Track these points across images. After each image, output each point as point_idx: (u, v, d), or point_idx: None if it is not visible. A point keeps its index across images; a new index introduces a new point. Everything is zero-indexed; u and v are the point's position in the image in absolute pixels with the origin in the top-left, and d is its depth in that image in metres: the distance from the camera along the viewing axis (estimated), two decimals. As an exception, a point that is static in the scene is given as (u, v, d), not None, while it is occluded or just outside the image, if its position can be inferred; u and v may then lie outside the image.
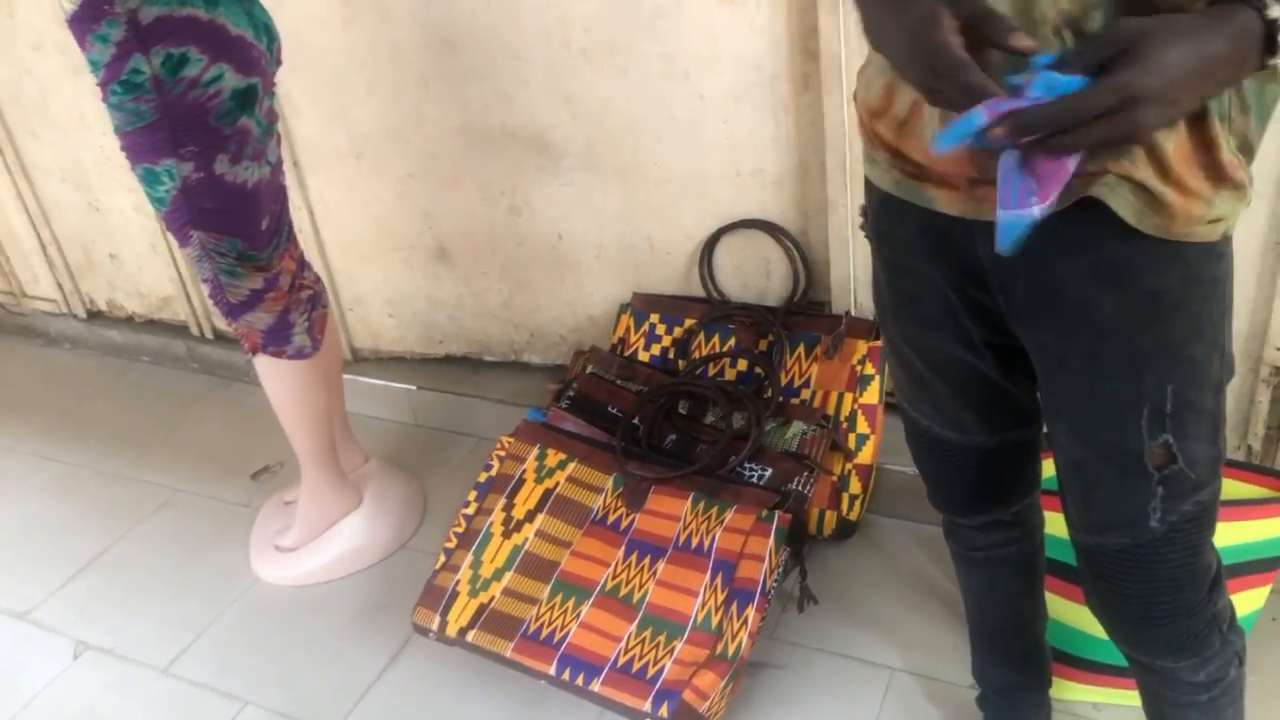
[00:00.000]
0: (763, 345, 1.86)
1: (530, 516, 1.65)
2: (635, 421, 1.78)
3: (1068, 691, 1.42)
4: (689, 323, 1.93)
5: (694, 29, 1.72)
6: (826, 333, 1.81)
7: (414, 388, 2.27)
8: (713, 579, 1.50)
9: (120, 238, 2.58)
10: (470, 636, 1.56)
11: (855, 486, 1.73)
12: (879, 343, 1.76)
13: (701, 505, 1.59)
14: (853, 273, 1.80)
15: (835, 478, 1.71)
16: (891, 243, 0.97)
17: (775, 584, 1.52)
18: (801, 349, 1.83)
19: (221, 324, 2.49)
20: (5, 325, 2.96)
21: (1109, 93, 0.67)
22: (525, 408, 1.87)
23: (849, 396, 1.75)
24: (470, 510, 1.71)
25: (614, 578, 1.56)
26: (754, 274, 1.92)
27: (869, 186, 0.96)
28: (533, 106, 1.92)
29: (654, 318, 1.97)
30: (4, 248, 2.81)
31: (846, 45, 1.59)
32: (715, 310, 1.93)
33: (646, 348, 1.96)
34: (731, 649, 1.43)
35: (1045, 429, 0.98)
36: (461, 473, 2.05)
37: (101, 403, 2.58)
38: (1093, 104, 0.67)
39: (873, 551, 1.76)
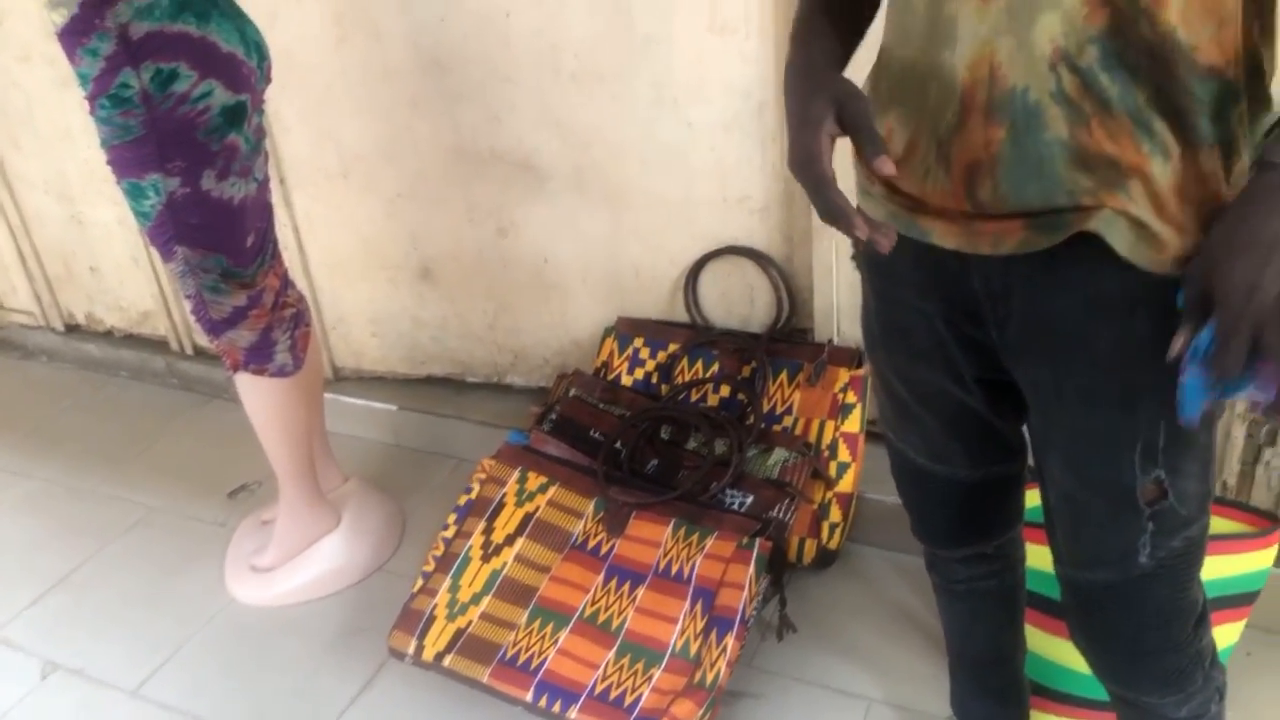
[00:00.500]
0: (746, 372, 1.87)
1: (510, 540, 1.64)
2: (617, 446, 1.78)
3: (1045, 725, 1.42)
4: (673, 348, 1.94)
5: (683, 57, 1.74)
6: (809, 360, 1.82)
7: (395, 408, 2.26)
8: (692, 606, 1.50)
9: (102, 251, 2.56)
10: (447, 661, 1.54)
11: (836, 515, 1.73)
12: (861, 371, 1.77)
13: (682, 531, 1.58)
14: (836, 301, 1.81)
15: (816, 506, 1.71)
16: (884, 274, 0.97)
17: (755, 612, 1.51)
18: (784, 376, 1.84)
19: (202, 340, 2.47)
20: (-19, 337, 2.93)
21: (1234, 336, 0.71)
22: (507, 430, 1.87)
23: (831, 424, 1.75)
24: (449, 533, 1.70)
25: (593, 604, 1.55)
26: (738, 300, 1.93)
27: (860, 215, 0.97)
28: (522, 130, 1.93)
29: (638, 342, 1.98)
30: (-17, 259, 2.79)
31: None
32: (699, 336, 1.93)
33: (630, 372, 1.96)
34: (710, 677, 1.43)
35: (1035, 462, 0.98)
36: (442, 494, 2.04)
37: (77, 417, 2.55)
38: (1237, 349, 0.71)
39: (853, 580, 1.75)
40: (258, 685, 1.70)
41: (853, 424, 1.75)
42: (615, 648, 1.50)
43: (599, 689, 1.45)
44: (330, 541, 1.89)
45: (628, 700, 1.43)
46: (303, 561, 1.89)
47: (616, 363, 1.97)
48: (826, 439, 1.75)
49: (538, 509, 1.67)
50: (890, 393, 1.05)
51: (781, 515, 1.62)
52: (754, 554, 1.50)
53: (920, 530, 1.17)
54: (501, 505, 1.68)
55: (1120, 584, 0.92)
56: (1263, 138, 0.77)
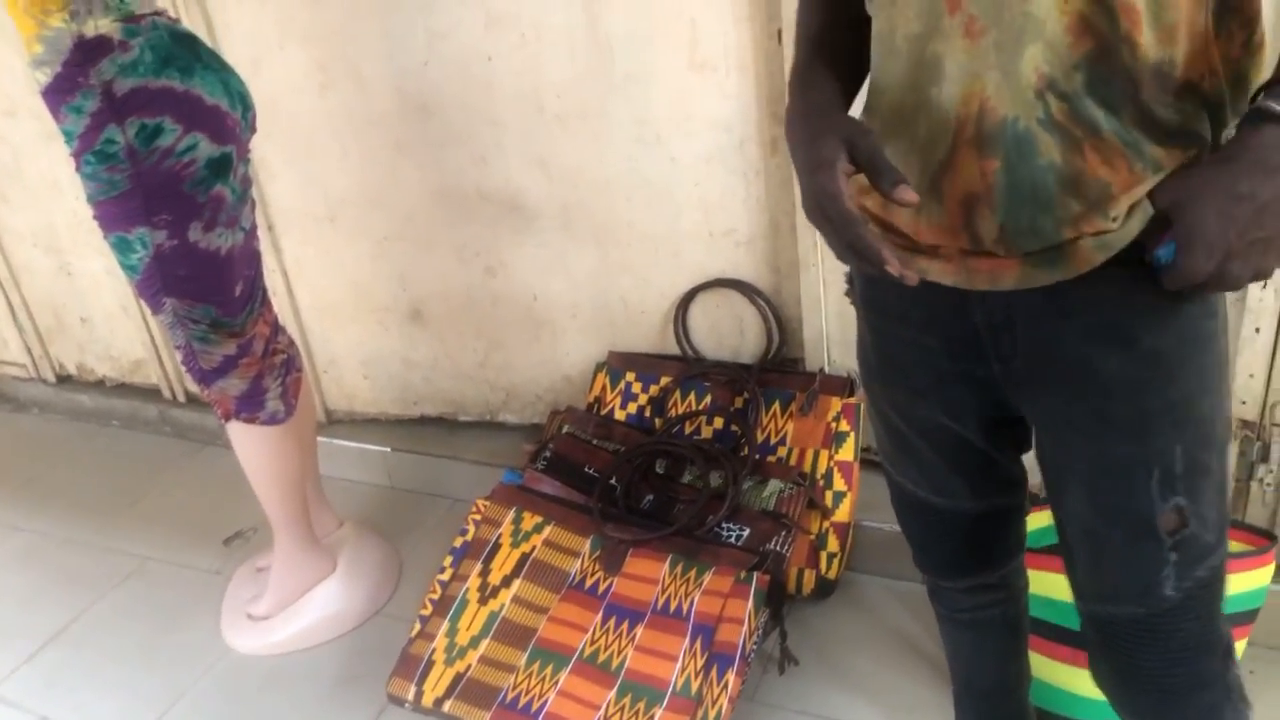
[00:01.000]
0: (738, 403, 1.87)
1: (507, 582, 1.63)
2: (612, 482, 1.78)
3: (1050, 751, 1.41)
4: (665, 381, 1.94)
5: (665, 94, 1.75)
6: (801, 390, 1.82)
7: (389, 449, 2.26)
8: (692, 643, 1.49)
9: (92, 301, 2.56)
10: (447, 706, 1.53)
11: (833, 544, 1.72)
12: (853, 399, 1.77)
13: (680, 567, 1.58)
14: (825, 330, 1.82)
15: (813, 536, 1.71)
16: (882, 312, 0.97)
17: (755, 646, 1.51)
18: (777, 406, 1.84)
19: (194, 386, 2.46)
20: (-28, 390, 2.92)
21: (1184, 281, 0.73)
22: (501, 468, 1.86)
23: (825, 453, 1.76)
24: (445, 576, 1.69)
25: (592, 643, 1.54)
26: (728, 332, 1.94)
27: None
28: (507, 170, 1.94)
29: (630, 376, 1.98)
30: (-27, 312, 2.79)
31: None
32: (690, 368, 1.94)
33: (623, 406, 1.96)
34: (712, 714, 1.42)
35: (1049, 495, 0.96)
36: (437, 535, 2.03)
37: (70, 469, 2.54)
38: (1188, 284, 0.73)
39: (853, 610, 1.75)
40: (257, 737, 1.69)
41: (847, 452, 1.75)
42: (616, 687, 1.49)
43: (601, 730, 1.44)
44: (326, 587, 1.88)
45: (630, 741, 1.42)
46: (299, 609, 1.87)
47: (609, 398, 1.98)
48: (821, 468, 1.75)
49: (534, 549, 1.66)
50: (888, 427, 1.04)
51: (779, 547, 1.62)
52: (752, 588, 1.50)
53: (923, 562, 1.17)
54: (498, 546, 1.67)
55: (1147, 618, 0.89)
56: (1257, 93, 0.75)
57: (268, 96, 1.86)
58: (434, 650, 1.59)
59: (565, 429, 1.90)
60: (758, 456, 1.78)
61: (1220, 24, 0.77)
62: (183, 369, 1.70)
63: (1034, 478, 1.04)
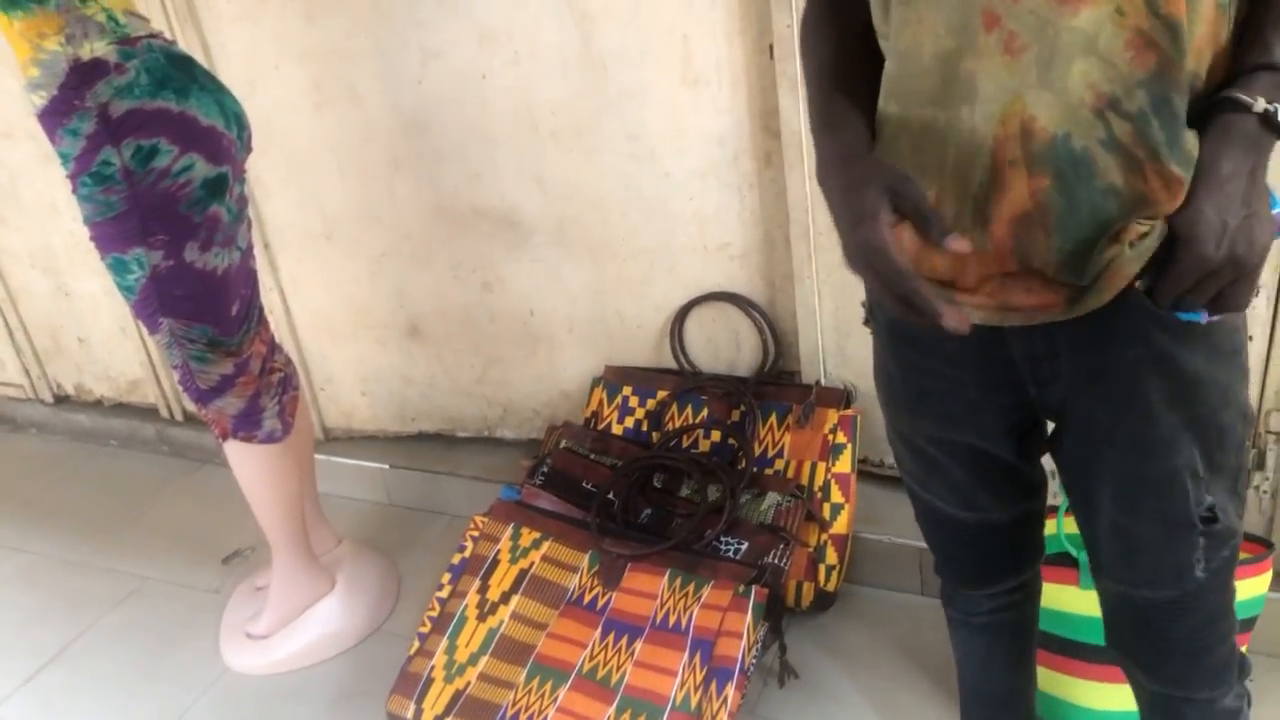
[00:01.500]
0: (735, 416, 1.87)
1: (505, 598, 1.63)
2: (610, 497, 1.78)
3: (1051, 762, 1.41)
4: (662, 394, 1.94)
5: (658, 110, 1.76)
6: (797, 402, 1.82)
7: (387, 466, 2.26)
8: (691, 658, 1.49)
9: (89, 321, 2.57)
10: (446, 724, 1.53)
11: (831, 557, 1.72)
12: (850, 411, 1.78)
13: (678, 582, 1.57)
14: (820, 342, 1.82)
15: (811, 549, 1.71)
16: (910, 344, 0.96)
17: (754, 660, 1.51)
18: (774, 419, 1.84)
19: (191, 406, 2.47)
20: (-29, 411, 2.92)
21: (1187, 275, 0.73)
22: (499, 484, 1.87)
23: (822, 466, 1.76)
24: (444, 593, 1.69)
25: (591, 659, 1.54)
26: (724, 345, 1.94)
27: None
28: (503, 186, 1.95)
29: (626, 390, 1.98)
30: (-29, 333, 2.79)
31: (806, 124, 1.63)
32: (687, 382, 1.94)
33: (620, 420, 1.96)
34: (712, 730, 1.41)
35: (1073, 492, 0.98)
36: (436, 552, 2.03)
37: (68, 489, 2.53)
38: (1184, 284, 0.74)
39: (852, 622, 1.74)
40: (256, 757, 1.68)
41: (844, 465, 1.75)
42: (615, 703, 1.48)
43: (600, 747, 1.44)
44: (326, 605, 1.88)
45: (630, 757, 1.42)
46: (298, 627, 1.87)
47: (606, 412, 1.98)
48: (819, 481, 1.75)
49: (532, 565, 1.66)
50: (914, 450, 1.04)
51: (777, 560, 1.62)
52: (751, 601, 1.49)
53: (949, 572, 1.17)
54: (496, 563, 1.67)
55: (1179, 598, 0.94)
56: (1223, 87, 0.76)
57: (263, 116, 1.87)
58: (433, 667, 1.59)
59: (563, 444, 1.91)
60: (755, 469, 1.78)
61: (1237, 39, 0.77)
62: (180, 388, 1.70)
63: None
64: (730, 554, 1.64)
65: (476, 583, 1.66)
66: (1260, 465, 1.52)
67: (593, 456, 1.88)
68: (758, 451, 1.82)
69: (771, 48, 1.62)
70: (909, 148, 0.84)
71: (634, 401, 1.97)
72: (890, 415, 1.04)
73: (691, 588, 1.56)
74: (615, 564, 1.63)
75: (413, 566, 2.05)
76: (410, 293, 2.15)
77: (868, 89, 0.88)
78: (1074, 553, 1.33)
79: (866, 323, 1.02)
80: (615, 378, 2.00)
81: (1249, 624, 1.37)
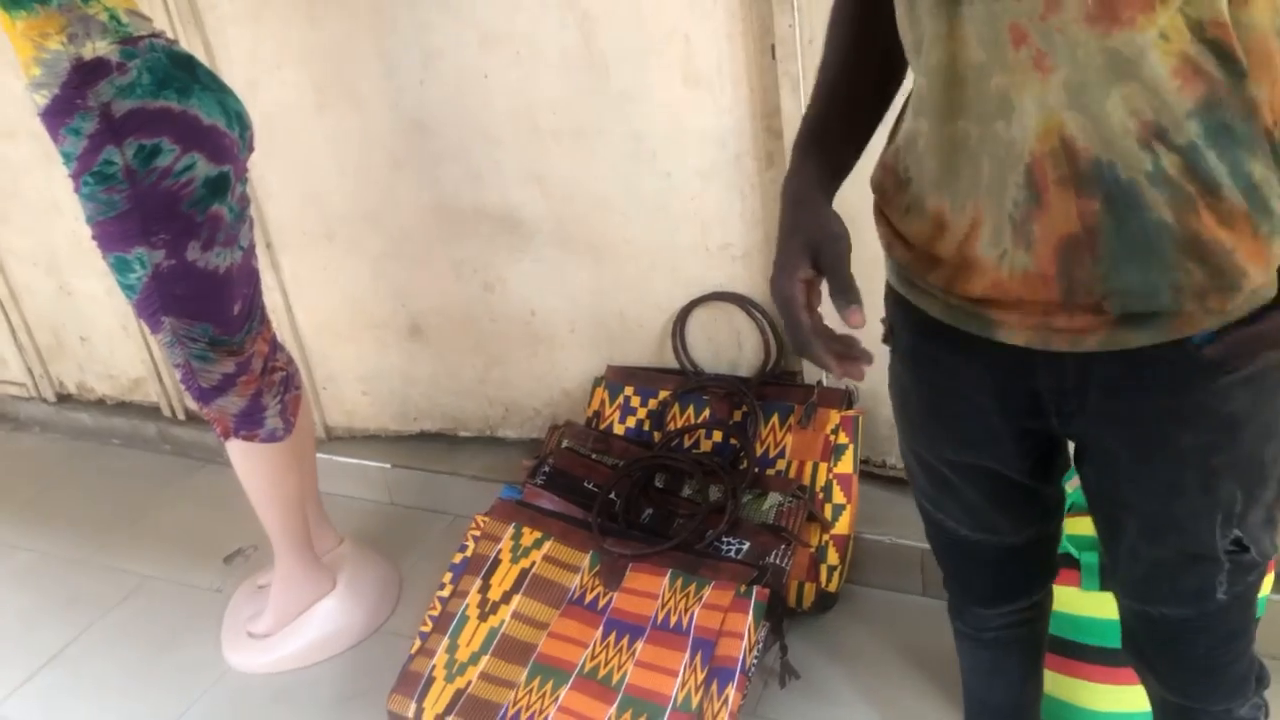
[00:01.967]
0: (737, 416, 1.87)
1: (506, 598, 1.63)
2: (612, 496, 1.78)
3: (1053, 763, 1.41)
4: (663, 394, 1.94)
5: (660, 110, 1.76)
6: (799, 402, 1.82)
7: (388, 465, 2.26)
8: (692, 658, 1.49)
9: (91, 320, 2.57)
10: (447, 724, 1.53)
11: (833, 557, 1.72)
12: (852, 412, 1.78)
13: (680, 582, 1.57)
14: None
15: (813, 549, 1.71)
16: (934, 367, 0.93)
17: (755, 661, 1.51)
18: (776, 419, 1.84)
19: (193, 405, 2.47)
20: (-28, 410, 2.93)
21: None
22: (500, 483, 1.87)
23: (824, 466, 1.76)
24: (445, 592, 1.69)
25: (592, 659, 1.54)
26: (726, 345, 1.94)
27: (897, 301, 0.93)
28: (504, 186, 1.95)
29: (628, 390, 1.98)
30: (-27, 332, 2.80)
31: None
32: (689, 382, 1.94)
33: (621, 420, 1.96)
34: (713, 730, 1.41)
35: (1095, 516, 0.97)
36: (437, 551, 2.03)
37: (69, 488, 2.54)
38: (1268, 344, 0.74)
39: (853, 622, 1.74)
40: (257, 756, 1.68)
41: (846, 465, 1.75)
42: (616, 703, 1.48)
43: (601, 747, 1.44)
44: (327, 605, 1.88)
45: (631, 757, 1.42)
46: (299, 626, 1.87)
47: (608, 412, 1.98)
48: (820, 481, 1.75)
49: (533, 564, 1.66)
50: (929, 471, 1.02)
51: (778, 561, 1.62)
52: (752, 602, 1.49)
53: (957, 589, 1.15)
54: (497, 562, 1.67)
55: (1198, 617, 0.92)
56: None
57: (265, 116, 1.87)
58: (434, 667, 1.59)
59: (564, 443, 1.91)
60: (757, 470, 1.78)
61: None
62: (182, 387, 1.71)
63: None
64: (732, 554, 1.64)
65: (478, 582, 1.66)
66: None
67: (594, 456, 1.88)
68: (759, 452, 1.82)
69: (773, 48, 1.62)
70: (940, 167, 0.81)
71: (636, 401, 1.97)
72: (905, 433, 1.02)
73: (693, 588, 1.56)
74: (617, 564, 1.63)
75: (414, 566, 2.05)
76: (411, 292, 2.15)
77: (870, 110, 0.90)
78: (1075, 554, 1.33)
79: (886, 340, 0.99)
80: (617, 378, 2.00)
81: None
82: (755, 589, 1.51)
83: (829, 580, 1.73)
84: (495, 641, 1.59)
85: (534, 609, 1.62)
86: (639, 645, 1.53)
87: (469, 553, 1.71)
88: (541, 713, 1.49)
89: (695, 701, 1.45)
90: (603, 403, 1.99)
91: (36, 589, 2.16)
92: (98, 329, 2.58)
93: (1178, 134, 0.70)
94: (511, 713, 1.51)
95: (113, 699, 1.84)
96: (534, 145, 1.89)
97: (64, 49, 1.43)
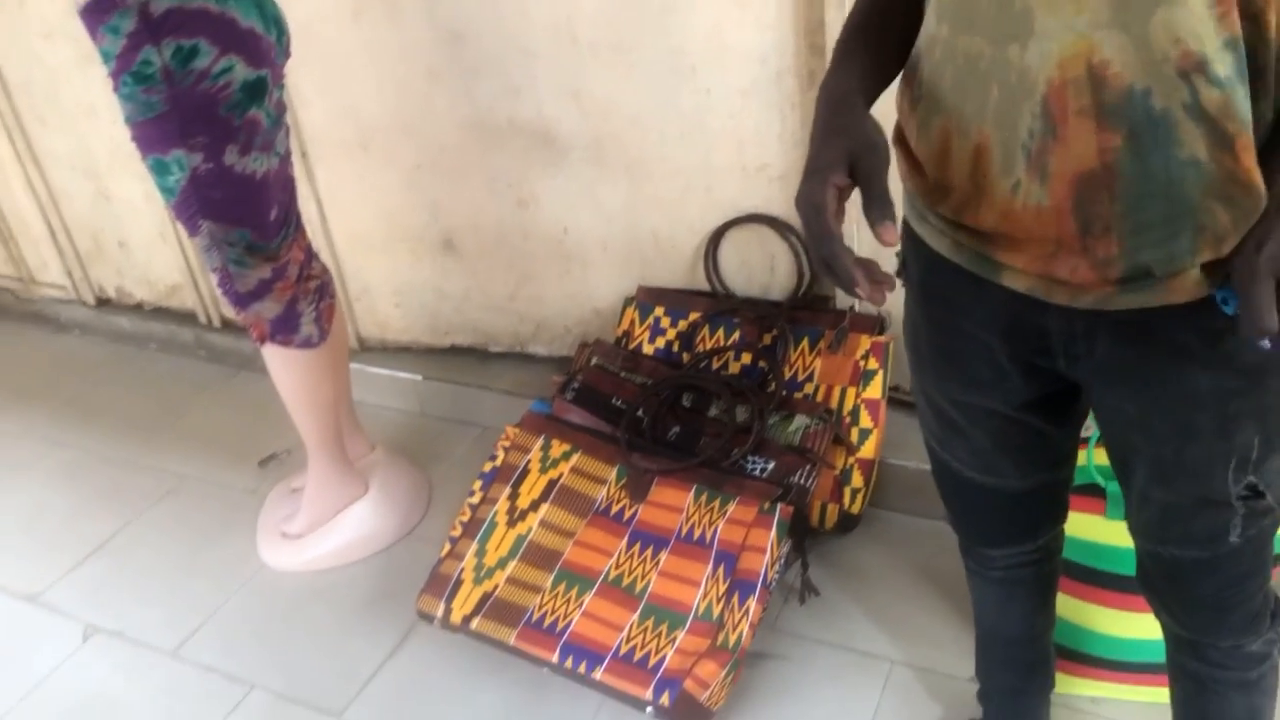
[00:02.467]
0: (767, 339, 1.88)
1: (534, 506, 1.67)
2: (639, 414, 1.80)
3: (1067, 685, 1.43)
4: (694, 316, 1.95)
5: (701, 24, 1.73)
6: (830, 328, 1.82)
7: (420, 378, 2.29)
8: (715, 570, 1.52)
9: (129, 226, 2.60)
10: (474, 624, 1.58)
11: (857, 480, 1.74)
12: (882, 338, 1.77)
13: (704, 497, 1.60)
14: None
15: (837, 471, 1.73)
16: (941, 302, 0.92)
17: (777, 576, 1.54)
18: (805, 343, 1.85)
19: (229, 312, 2.50)
20: (14, 311, 2.98)
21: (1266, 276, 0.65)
22: (530, 399, 1.89)
23: (852, 391, 1.76)
24: (475, 499, 1.73)
25: (617, 567, 1.58)
26: (759, 269, 1.94)
27: (911, 235, 0.92)
28: (540, 100, 1.93)
29: (659, 311, 1.99)
30: (14, 235, 2.83)
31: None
32: (720, 304, 1.94)
33: (651, 341, 1.97)
34: (733, 639, 1.45)
35: (1111, 460, 0.96)
36: (467, 463, 2.07)
37: (109, 389, 2.60)
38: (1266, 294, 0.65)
39: (874, 545, 1.77)
40: (291, 648, 1.75)
41: (874, 390, 1.76)
42: (639, 610, 1.53)
43: (623, 650, 1.49)
44: (359, 508, 1.93)
45: (651, 661, 1.46)
46: (332, 528, 1.93)
47: (638, 332, 1.99)
48: (848, 405, 1.76)
49: (561, 475, 1.69)
50: (937, 411, 1.02)
51: (803, 481, 1.64)
52: (775, 519, 1.52)
53: (965, 533, 1.16)
54: (526, 472, 1.71)
55: (1210, 559, 0.92)
56: None
57: (301, 22, 1.85)
58: (463, 570, 1.64)
59: (594, 361, 1.92)
60: (785, 392, 1.79)
61: None
62: (218, 292, 1.73)
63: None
64: (757, 473, 1.67)
65: (507, 490, 1.70)
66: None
67: (623, 374, 1.89)
68: (788, 375, 1.83)
69: (821, -39, 1.58)
70: (952, 83, 0.78)
71: (665, 322, 1.98)
72: (916, 372, 1.02)
73: (717, 503, 1.58)
74: (643, 478, 1.66)
75: (444, 475, 2.10)
76: (445, 206, 2.15)
77: (909, 22, 0.85)
78: (1102, 483, 1.33)
79: (899, 274, 0.97)
80: (648, 298, 2.01)
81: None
82: (779, 506, 1.53)
83: (852, 502, 1.75)
84: (523, 548, 1.63)
85: (561, 518, 1.65)
86: (663, 556, 1.57)
87: (499, 462, 1.74)
88: (566, 617, 1.54)
89: (716, 611, 1.49)
90: (633, 322, 2.00)
91: (79, 484, 2.23)
92: (136, 235, 2.60)
93: (1219, 65, 0.67)
94: (537, 615, 1.56)
95: (153, 590, 1.91)
96: (572, 59, 1.86)
97: (103, -55, 1.41)
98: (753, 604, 1.47)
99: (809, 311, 1.88)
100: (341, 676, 1.68)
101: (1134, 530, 0.98)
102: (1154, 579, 1.01)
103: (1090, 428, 1.09)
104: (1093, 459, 1.35)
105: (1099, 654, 1.41)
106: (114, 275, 2.75)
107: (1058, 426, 0.99)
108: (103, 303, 2.82)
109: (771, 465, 1.68)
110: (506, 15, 1.86)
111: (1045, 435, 1.00)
